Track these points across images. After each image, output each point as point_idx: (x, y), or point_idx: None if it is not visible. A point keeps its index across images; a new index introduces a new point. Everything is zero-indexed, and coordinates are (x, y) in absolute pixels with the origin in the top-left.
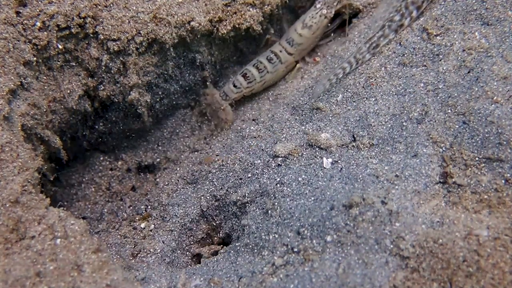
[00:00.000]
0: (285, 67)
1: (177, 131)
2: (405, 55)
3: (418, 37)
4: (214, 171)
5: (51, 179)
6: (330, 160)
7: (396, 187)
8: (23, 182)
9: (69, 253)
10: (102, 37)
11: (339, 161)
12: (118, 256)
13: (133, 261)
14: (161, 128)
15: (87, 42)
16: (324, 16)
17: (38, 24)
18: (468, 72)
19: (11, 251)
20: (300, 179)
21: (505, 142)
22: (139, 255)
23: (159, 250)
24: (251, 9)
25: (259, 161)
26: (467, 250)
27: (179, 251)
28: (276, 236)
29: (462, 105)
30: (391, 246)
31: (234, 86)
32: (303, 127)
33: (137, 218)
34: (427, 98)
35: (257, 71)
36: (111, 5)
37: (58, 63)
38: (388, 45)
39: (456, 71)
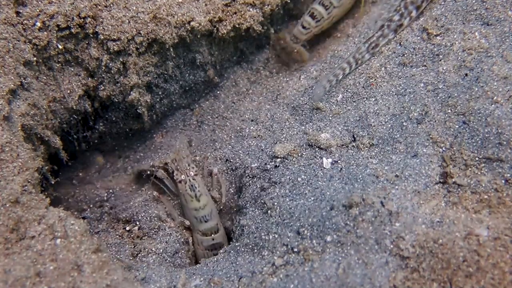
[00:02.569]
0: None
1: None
2: (405, 55)
3: (418, 37)
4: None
5: (53, 182)
6: (330, 160)
7: (396, 187)
8: (23, 182)
9: (69, 253)
10: (102, 37)
11: (339, 161)
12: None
13: (133, 261)
14: (160, 128)
15: (87, 42)
16: None
17: (38, 24)
18: (468, 72)
19: (11, 251)
20: (299, 179)
21: (505, 142)
22: (139, 255)
23: (161, 250)
24: (251, 9)
25: (258, 161)
26: (467, 250)
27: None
28: (276, 236)
29: (462, 105)
30: (391, 246)
31: (303, 27)
32: (303, 127)
33: (125, 219)
34: (427, 98)
35: (324, 8)
36: (111, 5)
37: (58, 63)
38: (388, 45)
39: (456, 71)
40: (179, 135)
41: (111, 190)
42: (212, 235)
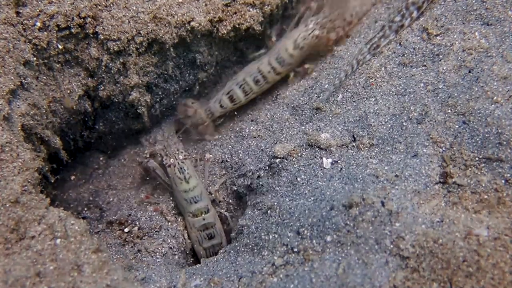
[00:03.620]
0: (271, 84)
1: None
2: (405, 55)
3: (418, 37)
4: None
5: (52, 181)
6: (330, 160)
7: (396, 187)
8: (23, 182)
9: (69, 253)
10: (102, 37)
11: (339, 161)
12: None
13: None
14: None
15: (87, 42)
16: (316, 37)
17: (38, 24)
18: (468, 72)
19: (11, 251)
20: (299, 179)
21: (505, 142)
22: (139, 255)
23: (164, 251)
24: (251, 9)
25: (258, 161)
26: (467, 250)
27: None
28: (276, 236)
29: (462, 105)
30: (391, 246)
31: (221, 106)
32: (303, 127)
33: (117, 222)
34: (427, 98)
35: (243, 93)
36: (111, 5)
37: (58, 63)
38: (388, 45)
39: (456, 71)
40: (166, 123)
41: (108, 190)
42: (203, 215)
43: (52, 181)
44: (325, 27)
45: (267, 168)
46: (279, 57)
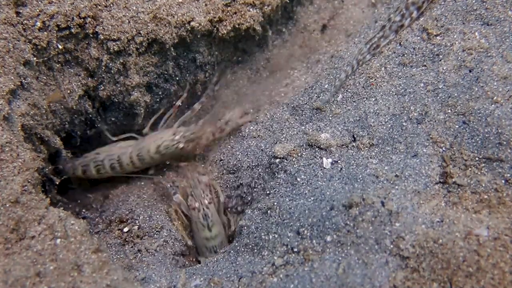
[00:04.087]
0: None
1: None
2: (405, 55)
3: (418, 37)
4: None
5: (57, 183)
6: (330, 160)
7: (396, 187)
8: (23, 182)
9: (69, 253)
10: (102, 37)
11: (339, 161)
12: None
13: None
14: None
15: (87, 42)
16: (180, 149)
17: (38, 24)
18: (468, 72)
19: (11, 251)
20: (299, 179)
21: (505, 142)
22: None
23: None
24: (251, 9)
25: (258, 161)
26: (467, 250)
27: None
28: (276, 236)
29: (462, 105)
30: (391, 246)
31: (73, 173)
32: (303, 127)
33: (117, 220)
34: (427, 98)
35: (96, 173)
36: (111, 5)
37: (58, 63)
38: (388, 45)
39: (456, 71)
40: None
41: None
42: None
43: (57, 182)
44: (192, 141)
45: (266, 168)
46: (140, 154)
